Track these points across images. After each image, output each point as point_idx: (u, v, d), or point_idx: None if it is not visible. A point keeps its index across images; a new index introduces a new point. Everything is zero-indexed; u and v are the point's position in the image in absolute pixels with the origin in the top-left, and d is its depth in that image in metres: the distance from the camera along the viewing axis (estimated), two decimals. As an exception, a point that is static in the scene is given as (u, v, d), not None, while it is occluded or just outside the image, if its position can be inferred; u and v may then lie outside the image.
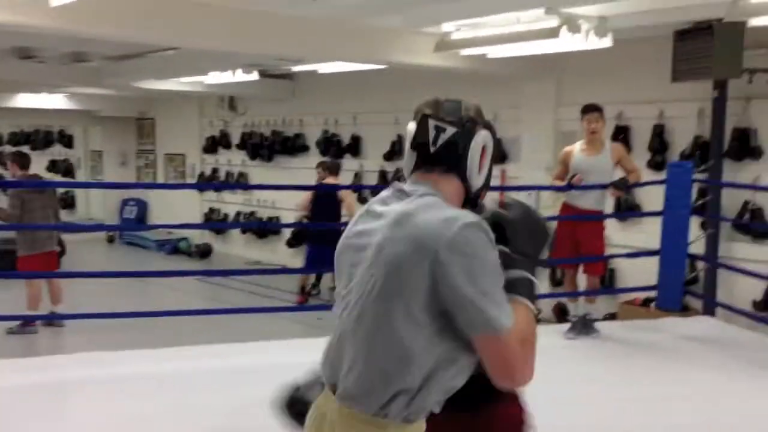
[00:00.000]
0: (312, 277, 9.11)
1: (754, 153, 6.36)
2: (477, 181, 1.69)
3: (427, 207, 1.58)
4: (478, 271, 1.50)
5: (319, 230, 8.24)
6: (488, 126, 1.70)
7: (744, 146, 6.39)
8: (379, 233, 1.59)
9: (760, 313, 6.11)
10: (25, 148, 14.75)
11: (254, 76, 9.06)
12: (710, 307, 6.12)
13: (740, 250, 6.49)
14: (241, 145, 11.96)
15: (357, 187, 10.04)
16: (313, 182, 8.70)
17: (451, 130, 1.64)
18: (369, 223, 1.65)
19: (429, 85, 8.84)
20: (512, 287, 1.58)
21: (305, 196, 8.42)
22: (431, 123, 1.65)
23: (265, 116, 11.56)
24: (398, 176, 9.25)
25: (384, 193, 1.72)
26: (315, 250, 8.28)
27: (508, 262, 1.60)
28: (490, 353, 1.52)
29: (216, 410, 3.87)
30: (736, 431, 3.65)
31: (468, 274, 1.49)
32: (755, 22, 5.43)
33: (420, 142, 1.66)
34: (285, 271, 9.52)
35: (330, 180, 8.55)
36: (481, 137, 1.67)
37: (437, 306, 1.52)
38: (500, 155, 8.36)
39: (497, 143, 1.76)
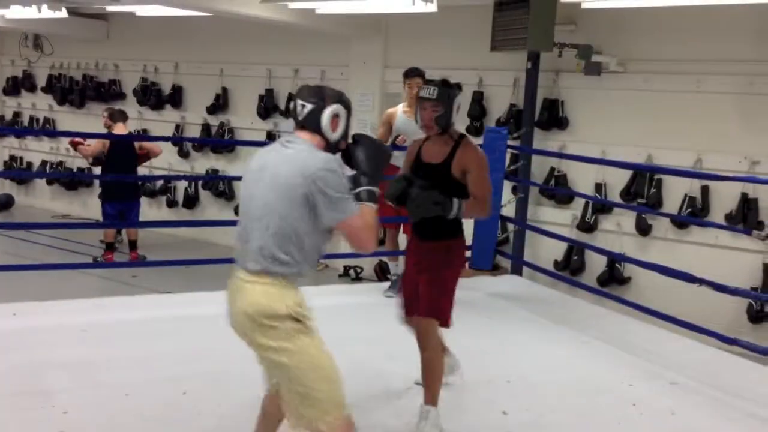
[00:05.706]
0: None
1: (561, 123, 6.83)
2: (333, 136, 2.48)
3: (304, 151, 2.41)
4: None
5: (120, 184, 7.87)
6: (341, 101, 2.48)
7: (552, 116, 6.84)
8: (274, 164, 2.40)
9: (560, 273, 6.65)
10: None
11: (62, 13, 8.31)
12: (518, 267, 6.55)
13: (545, 213, 6.99)
14: (48, 88, 11.00)
15: (178, 139, 9.62)
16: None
17: (309, 106, 2.46)
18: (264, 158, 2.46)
19: (257, 37, 8.58)
20: (358, 197, 2.47)
21: (98, 143, 7.76)
22: (297, 101, 2.48)
23: (76, 58, 10.68)
24: (223, 130, 8.96)
25: (272, 144, 2.51)
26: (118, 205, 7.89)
27: (355, 180, 2.47)
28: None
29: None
30: (541, 377, 3.96)
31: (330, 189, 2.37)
32: (567, -2, 5.77)
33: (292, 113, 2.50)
34: (90, 225, 8.91)
35: (120, 129, 7.91)
36: (332, 109, 2.45)
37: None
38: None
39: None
